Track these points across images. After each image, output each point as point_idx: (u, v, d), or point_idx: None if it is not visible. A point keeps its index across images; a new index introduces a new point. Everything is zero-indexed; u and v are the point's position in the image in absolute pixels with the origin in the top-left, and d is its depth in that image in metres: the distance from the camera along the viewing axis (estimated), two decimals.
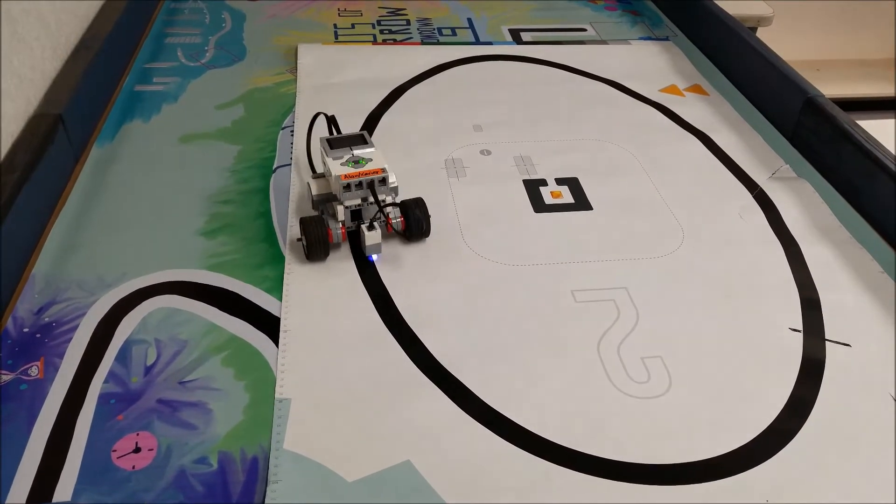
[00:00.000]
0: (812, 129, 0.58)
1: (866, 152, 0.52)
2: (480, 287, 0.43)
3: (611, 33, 0.76)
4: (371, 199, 0.43)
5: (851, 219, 0.51)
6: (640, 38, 0.75)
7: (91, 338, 0.39)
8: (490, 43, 0.73)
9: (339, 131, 0.49)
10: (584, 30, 0.76)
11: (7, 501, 0.31)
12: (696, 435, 0.35)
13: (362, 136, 0.45)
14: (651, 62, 0.71)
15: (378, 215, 0.43)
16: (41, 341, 0.38)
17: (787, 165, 0.56)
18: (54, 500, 0.31)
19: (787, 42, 0.92)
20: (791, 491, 0.33)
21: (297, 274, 0.43)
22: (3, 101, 0.46)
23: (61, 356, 0.37)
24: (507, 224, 0.49)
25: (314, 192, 0.45)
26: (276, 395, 0.36)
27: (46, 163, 0.47)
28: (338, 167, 0.43)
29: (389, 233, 0.45)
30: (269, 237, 0.46)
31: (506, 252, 0.46)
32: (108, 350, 0.38)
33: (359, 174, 0.42)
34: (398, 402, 0.36)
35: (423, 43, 0.72)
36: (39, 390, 0.36)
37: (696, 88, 0.67)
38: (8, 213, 0.41)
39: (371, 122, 0.58)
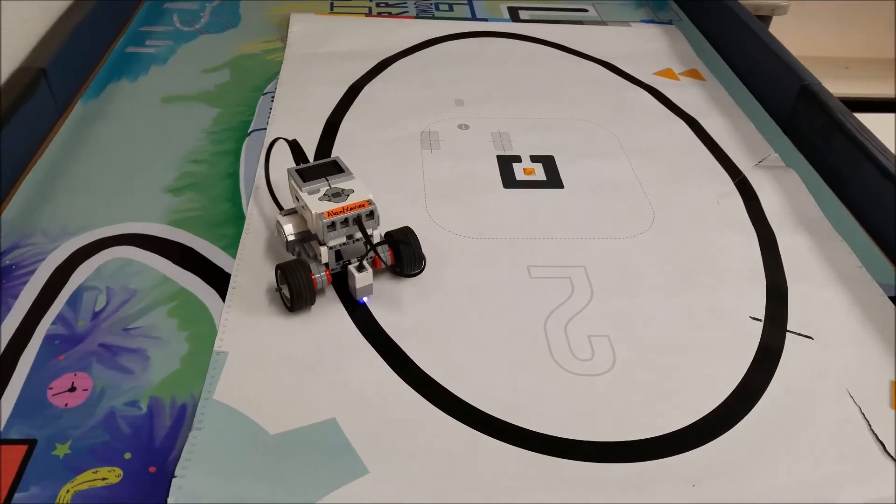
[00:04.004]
0: (806, 117, 0.55)
1: (856, 143, 0.50)
2: (435, 257, 0.43)
3: (612, 15, 0.74)
4: (357, 235, 0.38)
5: (836, 211, 0.49)
6: (642, 21, 0.73)
7: (46, 282, 0.40)
8: (486, 19, 0.72)
9: (304, 158, 0.42)
10: (586, 10, 0.75)
11: None
12: (633, 415, 0.35)
13: (335, 162, 0.40)
14: (649, 45, 0.69)
15: (369, 254, 0.38)
16: None
17: (777, 154, 0.54)
18: None
19: (801, 35, 0.88)
20: (721, 476, 0.32)
21: (255, 234, 0.44)
22: None
23: (15, 297, 0.39)
24: (472, 198, 0.48)
25: (289, 233, 0.39)
26: (215, 348, 0.36)
27: (24, 115, 0.48)
28: (316, 203, 0.37)
29: (378, 269, 0.40)
30: (234, 197, 0.47)
31: (467, 225, 0.46)
32: (60, 294, 0.39)
33: (343, 210, 0.37)
34: (334, 364, 0.36)
35: (417, 17, 0.71)
36: None
37: (693, 73, 0.65)
38: None
39: (352, 93, 0.58)
